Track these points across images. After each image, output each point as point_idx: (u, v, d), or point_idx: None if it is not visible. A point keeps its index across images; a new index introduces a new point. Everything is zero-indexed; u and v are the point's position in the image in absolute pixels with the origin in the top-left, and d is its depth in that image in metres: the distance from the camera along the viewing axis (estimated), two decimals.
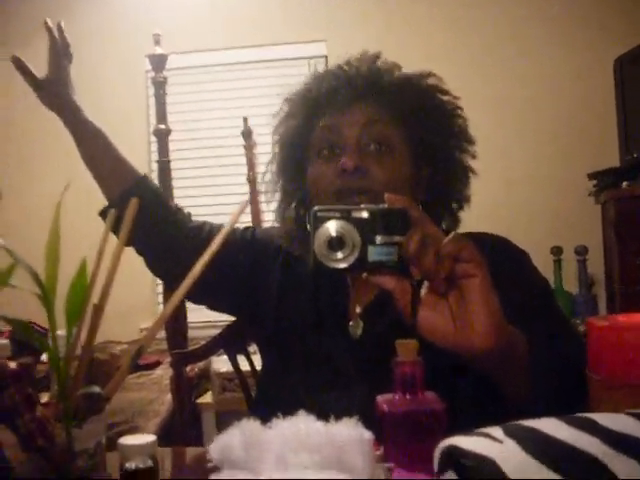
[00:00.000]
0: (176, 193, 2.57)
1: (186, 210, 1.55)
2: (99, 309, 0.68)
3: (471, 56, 4.11)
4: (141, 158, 4.17)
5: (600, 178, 3.47)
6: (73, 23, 4.39)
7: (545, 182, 3.98)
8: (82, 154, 1.50)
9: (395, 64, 1.38)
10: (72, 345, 0.66)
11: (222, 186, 4.21)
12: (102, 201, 1.51)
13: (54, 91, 1.49)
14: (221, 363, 2.88)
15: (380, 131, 1.28)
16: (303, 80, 1.41)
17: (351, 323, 1.30)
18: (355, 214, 0.85)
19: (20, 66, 1.47)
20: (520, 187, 4.00)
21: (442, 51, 4.10)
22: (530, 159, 4.02)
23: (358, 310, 1.32)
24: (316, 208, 0.87)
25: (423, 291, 0.88)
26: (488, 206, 3.40)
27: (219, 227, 1.48)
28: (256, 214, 3.82)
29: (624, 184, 3.24)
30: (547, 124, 4.03)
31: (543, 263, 3.65)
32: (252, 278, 1.44)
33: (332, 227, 0.85)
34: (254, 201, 3.88)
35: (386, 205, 0.86)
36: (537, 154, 4.02)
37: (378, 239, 0.85)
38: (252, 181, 3.89)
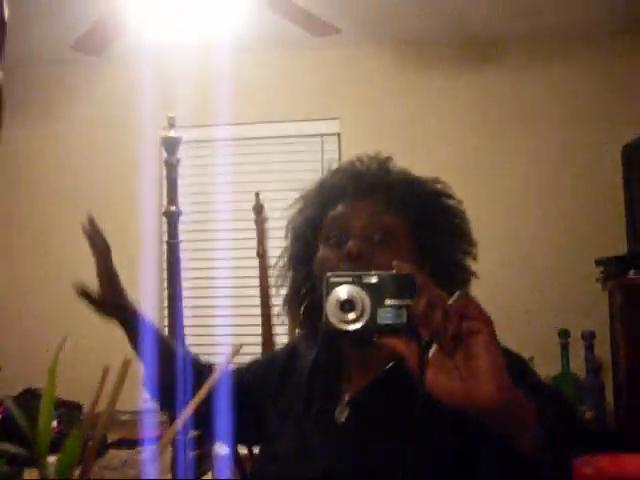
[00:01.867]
0: (185, 273, 2.59)
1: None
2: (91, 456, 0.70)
3: (480, 139, 4.17)
4: (150, 237, 4.22)
5: (607, 265, 3.47)
6: (86, 101, 4.52)
7: (554, 265, 3.98)
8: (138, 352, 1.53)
9: (404, 169, 1.44)
10: None
11: (232, 260, 4.24)
12: None
13: (113, 304, 1.53)
14: (222, 446, 2.87)
15: (386, 222, 1.32)
16: (317, 177, 1.48)
17: (338, 408, 1.33)
18: (365, 279, 0.90)
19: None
20: (528, 269, 4.01)
21: (453, 131, 4.17)
22: (538, 242, 4.04)
23: (347, 397, 1.33)
24: (329, 274, 0.91)
25: (431, 352, 0.89)
26: (496, 287, 3.43)
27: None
28: (265, 289, 3.85)
29: (631, 272, 3.24)
30: (556, 208, 4.06)
31: (550, 346, 3.68)
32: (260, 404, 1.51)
33: (343, 291, 0.89)
34: (263, 276, 3.92)
35: (394, 271, 0.91)
36: (546, 238, 4.04)
37: (387, 302, 0.89)
38: (262, 256, 3.93)
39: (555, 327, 3.68)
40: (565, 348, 3.64)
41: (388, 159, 1.45)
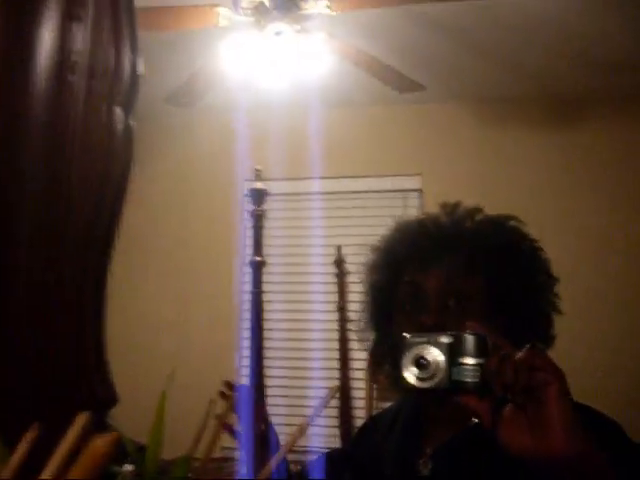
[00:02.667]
0: (266, 324, 2.63)
1: None
2: None
3: (561, 198, 4.14)
4: (235, 286, 4.28)
5: None
6: (174, 145, 4.65)
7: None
8: None
9: (476, 208, 1.41)
10: None
11: (311, 312, 4.27)
12: None
13: None
14: None
15: (459, 287, 1.30)
16: (389, 229, 1.46)
17: (421, 461, 1.31)
18: (440, 339, 0.94)
19: None
20: (617, 324, 3.92)
21: (536, 189, 4.14)
22: (624, 298, 3.96)
23: (429, 450, 1.32)
24: (406, 335, 0.96)
25: (505, 409, 0.90)
26: (576, 348, 3.36)
27: None
28: (344, 342, 3.85)
29: None
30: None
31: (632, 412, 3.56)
32: None
33: (419, 350, 0.93)
34: (342, 329, 3.91)
35: (468, 331, 0.94)
36: (631, 294, 3.95)
37: (461, 361, 0.92)
38: (342, 309, 3.93)
39: None
40: None
41: (457, 205, 1.41)
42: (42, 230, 0.69)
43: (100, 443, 0.25)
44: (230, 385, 1.58)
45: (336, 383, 3.76)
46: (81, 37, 0.75)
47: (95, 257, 0.70)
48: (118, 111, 0.70)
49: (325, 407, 0.77)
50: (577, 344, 3.43)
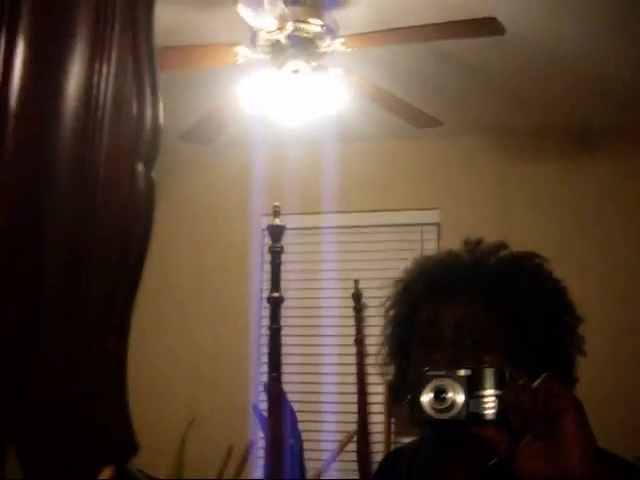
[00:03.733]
0: (286, 358, 2.63)
1: None
2: None
3: (580, 231, 4.12)
4: (252, 322, 4.29)
5: None
6: (191, 181, 4.68)
7: None
8: None
9: (501, 243, 1.39)
10: None
11: (329, 346, 4.26)
12: None
13: None
14: None
15: (476, 327, 1.28)
16: (410, 265, 1.45)
17: None
18: (459, 372, 0.95)
19: None
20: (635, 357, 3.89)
21: (555, 224, 4.13)
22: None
23: None
24: (425, 369, 0.98)
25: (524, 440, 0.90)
26: (600, 379, 3.32)
27: None
28: (361, 376, 3.84)
29: None
30: None
31: None
32: None
33: (438, 383, 0.95)
34: (360, 362, 3.91)
35: (487, 365, 0.97)
36: None
37: (479, 393, 0.93)
38: (360, 342, 3.93)
39: None
40: None
41: (479, 242, 1.39)
42: (62, 298, 0.69)
43: None
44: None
45: (354, 420, 3.74)
46: (104, 81, 0.75)
47: (116, 319, 0.70)
48: (140, 167, 0.70)
49: (342, 451, 0.77)
50: (599, 385, 3.39)
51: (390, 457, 1.63)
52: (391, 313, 1.46)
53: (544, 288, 1.35)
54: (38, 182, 0.70)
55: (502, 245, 1.39)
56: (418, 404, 0.95)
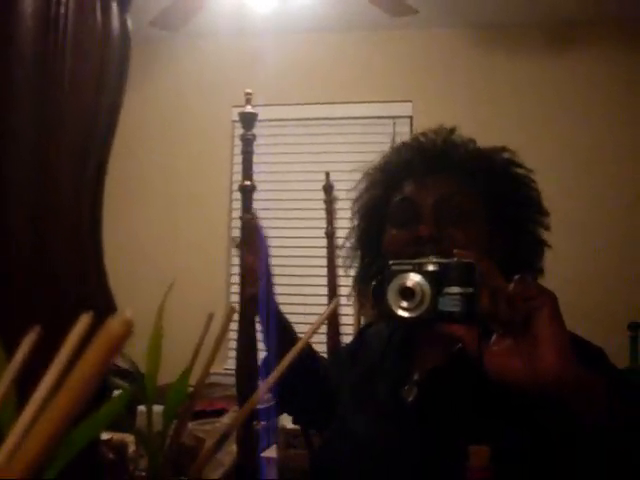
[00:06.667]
0: None
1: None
2: (190, 407, 0.72)
3: (559, 124, 4.11)
4: (222, 212, 4.28)
5: None
6: (163, 71, 4.58)
7: (624, 254, 3.92)
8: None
9: (470, 139, 1.39)
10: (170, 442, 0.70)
11: (300, 238, 4.27)
12: None
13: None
14: (288, 419, 2.89)
15: (458, 201, 1.28)
16: (381, 155, 1.44)
17: (406, 387, 1.32)
18: (426, 267, 0.92)
19: None
20: (597, 260, 3.95)
21: (529, 115, 4.11)
22: (607, 230, 3.97)
23: (416, 377, 1.32)
24: (390, 262, 0.95)
25: (493, 337, 0.91)
26: (564, 278, 3.38)
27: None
28: (332, 269, 3.86)
29: None
30: (635, 198, 3.98)
31: (619, 339, 3.61)
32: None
33: (404, 279, 0.92)
34: (331, 255, 3.92)
35: (455, 259, 0.92)
36: (615, 227, 3.97)
37: (447, 290, 0.90)
38: (330, 235, 3.94)
39: (625, 320, 3.61)
40: (635, 341, 3.56)
41: (453, 130, 1.40)
42: (36, 137, 0.66)
43: (116, 324, 0.25)
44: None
45: (325, 309, 3.77)
46: None
47: (91, 165, 0.68)
48: (114, 6, 0.66)
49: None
50: (568, 280, 3.45)
51: (370, 325, 1.63)
52: (363, 198, 1.45)
53: (518, 173, 1.36)
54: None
55: (472, 140, 1.39)
56: (384, 301, 0.93)
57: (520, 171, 1.36)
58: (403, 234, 1.29)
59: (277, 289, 1.55)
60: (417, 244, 1.23)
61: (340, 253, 1.56)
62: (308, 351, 1.53)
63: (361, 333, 1.61)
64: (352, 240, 1.48)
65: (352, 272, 1.49)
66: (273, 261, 1.58)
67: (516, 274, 0.92)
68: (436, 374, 1.29)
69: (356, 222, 1.47)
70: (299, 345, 0.74)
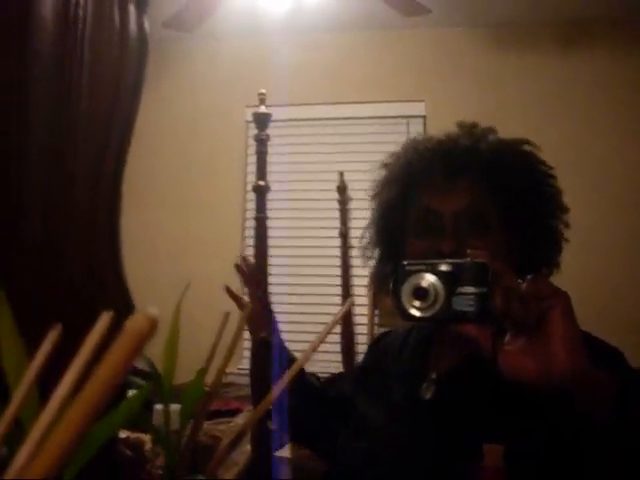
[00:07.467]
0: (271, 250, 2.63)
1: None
2: (206, 406, 0.73)
3: (574, 123, 4.09)
4: (236, 212, 4.29)
5: None
6: (177, 72, 4.60)
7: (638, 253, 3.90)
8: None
9: (490, 128, 1.38)
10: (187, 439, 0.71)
11: (315, 238, 4.28)
12: None
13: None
14: None
15: (477, 212, 1.27)
16: (401, 147, 1.42)
17: (424, 386, 1.32)
18: (440, 267, 0.92)
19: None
20: (613, 259, 3.93)
21: (543, 115, 4.10)
22: (621, 229, 3.96)
23: (433, 375, 1.32)
24: (404, 262, 0.95)
25: (507, 337, 0.91)
26: (581, 276, 3.37)
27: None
28: (346, 269, 3.87)
29: None
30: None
31: (636, 338, 3.60)
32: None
33: (418, 279, 0.92)
34: (344, 255, 3.93)
35: (468, 259, 0.93)
36: (630, 225, 3.95)
37: (461, 290, 0.91)
38: (344, 235, 3.94)
39: None
40: None
41: (474, 126, 1.38)
42: (53, 139, 0.67)
43: (142, 319, 0.25)
44: (246, 260, 1.61)
45: (339, 309, 3.78)
46: None
47: (108, 168, 0.69)
48: (132, 9, 0.67)
49: (322, 340, 0.77)
50: (583, 274, 3.44)
51: (379, 340, 1.63)
52: (382, 196, 1.43)
53: (538, 170, 1.35)
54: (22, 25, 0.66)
55: (493, 129, 1.37)
56: (399, 301, 0.93)
57: (542, 167, 1.36)
58: (424, 245, 1.28)
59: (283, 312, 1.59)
60: (438, 256, 1.23)
61: (356, 249, 1.55)
62: (300, 378, 1.54)
63: (372, 347, 1.61)
64: (369, 236, 1.47)
65: (369, 268, 1.49)
66: (286, 262, 1.59)
67: (534, 270, 0.92)
68: (454, 373, 1.29)
69: (374, 218, 1.46)
70: (311, 347, 0.75)
